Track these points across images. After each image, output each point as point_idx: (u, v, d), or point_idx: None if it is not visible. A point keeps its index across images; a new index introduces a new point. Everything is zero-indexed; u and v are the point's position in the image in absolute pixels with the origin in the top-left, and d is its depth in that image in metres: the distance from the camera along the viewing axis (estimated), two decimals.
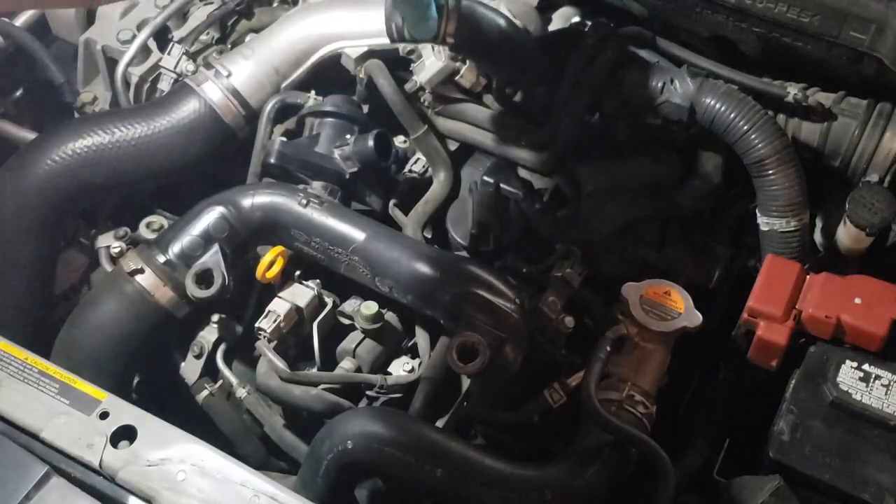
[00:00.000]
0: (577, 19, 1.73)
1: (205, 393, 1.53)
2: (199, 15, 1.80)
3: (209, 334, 1.55)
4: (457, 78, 1.63)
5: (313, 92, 1.68)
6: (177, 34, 1.78)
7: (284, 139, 1.62)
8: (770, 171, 1.40)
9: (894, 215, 1.37)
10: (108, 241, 1.62)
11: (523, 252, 1.51)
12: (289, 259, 1.53)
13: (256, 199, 1.50)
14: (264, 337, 1.48)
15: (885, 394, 1.19)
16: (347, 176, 1.57)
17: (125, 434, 1.06)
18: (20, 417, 1.08)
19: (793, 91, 1.48)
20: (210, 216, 1.50)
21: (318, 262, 1.51)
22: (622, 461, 1.24)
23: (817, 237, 1.56)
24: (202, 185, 1.62)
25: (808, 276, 1.31)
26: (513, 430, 1.39)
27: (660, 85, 1.48)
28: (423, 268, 1.41)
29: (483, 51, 1.44)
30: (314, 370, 1.49)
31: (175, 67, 1.76)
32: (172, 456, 1.04)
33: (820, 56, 1.43)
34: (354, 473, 1.30)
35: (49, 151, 1.58)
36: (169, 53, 1.77)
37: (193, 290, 1.45)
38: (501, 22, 1.37)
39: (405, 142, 1.68)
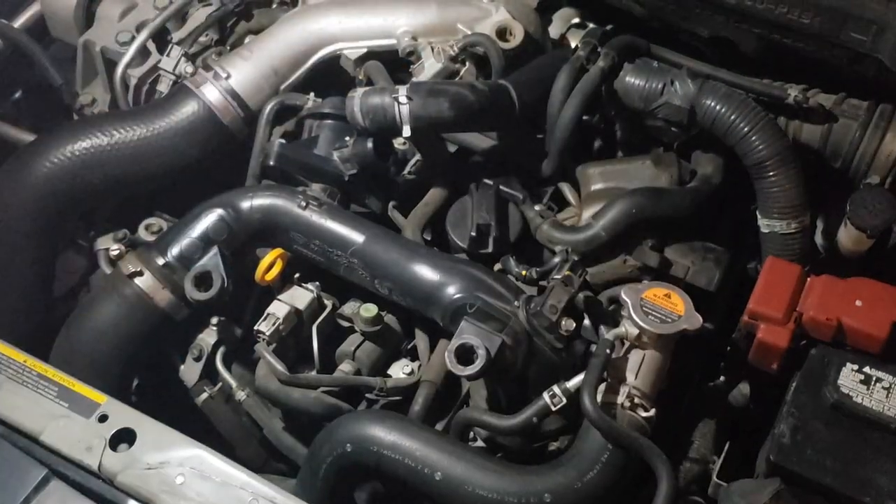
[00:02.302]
0: (577, 20, 1.73)
1: (204, 396, 1.53)
2: (198, 16, 1.80)
3: (208, 337, 1.54)
4: (455, 80, 1.62)
5: (312, 94, 1.67)
6: (176, 36, 1.78)
7: (283, 141, 1.62)
8: (771, 173, 1.40)
9: (895, 217, 1.37)
10: (107, 244, 1.62)
11: (523, 254, 1.51)
12: (288, 261, 1.52)
13: (255, 202, 1.50)
14: (263, 339, 1.48)
15: (886, 396, 1.19)
16: (346, 178, 1.56)
17: (124, 437, 1.06)
18: (19, 420, 1.08)
19: (793, 92, 1.48)
20: (209, 218, 1.49)
21: (317, 265, 1.51)
22: (622, 464, 1.24)
23: (818, 239, 1.55)
24: (201, 188, 1.62)
25: (808, 279, 1.30)
26: (512, 433, 1.38)
27: (660, 86, 1.48)
28: (423, 270, 1.41)
29: (447, 128, 1.53)
30: (313, 373, 1.49)
31: (174, 69, 1.76)
32: (171, 459, 1.04)
33: (820, 57, 1.43)
34: (353, 476, 1.29)
35: (48, 153, 1.58)
36: (168, 55, 1.77)
37: (192, 293, 1.45)
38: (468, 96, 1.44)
39: (404, 143, 1.67)
